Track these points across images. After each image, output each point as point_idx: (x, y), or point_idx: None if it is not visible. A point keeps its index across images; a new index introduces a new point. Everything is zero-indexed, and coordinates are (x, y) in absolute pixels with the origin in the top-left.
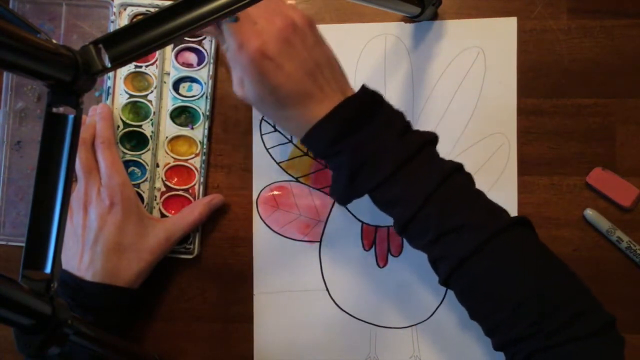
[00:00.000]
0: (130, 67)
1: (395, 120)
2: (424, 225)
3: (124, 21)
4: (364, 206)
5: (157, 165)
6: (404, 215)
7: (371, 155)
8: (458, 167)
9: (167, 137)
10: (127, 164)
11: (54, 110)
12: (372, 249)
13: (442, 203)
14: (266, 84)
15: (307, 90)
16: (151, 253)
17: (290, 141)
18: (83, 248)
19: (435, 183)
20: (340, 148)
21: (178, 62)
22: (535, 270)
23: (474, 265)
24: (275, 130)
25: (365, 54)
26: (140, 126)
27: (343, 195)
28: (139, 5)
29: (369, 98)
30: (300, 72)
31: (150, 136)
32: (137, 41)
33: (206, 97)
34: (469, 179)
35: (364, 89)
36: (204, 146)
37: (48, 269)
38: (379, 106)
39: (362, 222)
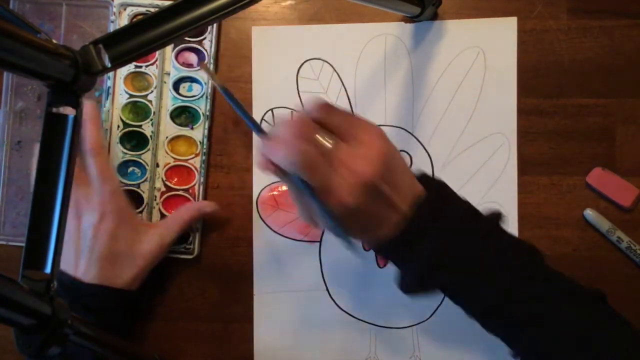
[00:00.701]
0: (130, 67)
1: (465, 213)
2: (501, 320)
3: (124, 21)
4: None
5: (157, 165)
6: (478, 309)
7: (444, 257)
8: (533, 249)
9: (167, 137)
10: (127, 164)
11: (54, 110)
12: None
13: (520, 296)
14: (353, 218)
15: (385, 214)
16: (145, 259)
17: None
18: (79, 255)
19: (513, 277)
20: (413, 255)
21: (178, 62)
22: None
23: (559, 355)
24: None
25: (365, 54)
26: (140, 126)
27: (410, 291)
28: (139, 5)
29: (437, 194)
30: (393, 192)
31: (150, 136)
32: (137, 41)
33: (206, 97)
34: (542, 258)
35: (429, 184)
36: (204, 146)
37: (48, 269)
38: (447, 200)
39: None
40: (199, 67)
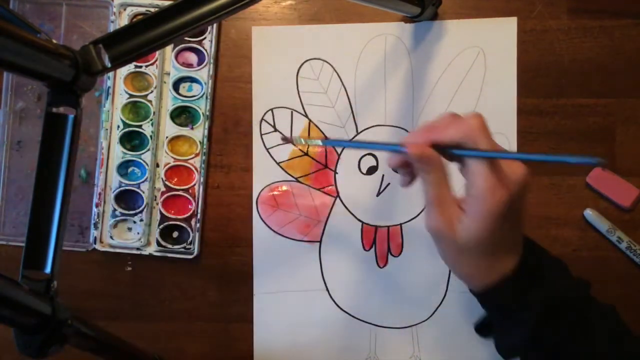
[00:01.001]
0: (130, 67)
1: (562, 268)
2: None
3: (124, 21)
4: (364, 206)
5: (157, 165)
6: None
7: (560, 307)
8: (614, 310)
9: (167, 137)
10: (127, 164)
11: (54, 110)
12: (372, 249)
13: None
14: (496, 231)
15: (515, 240)
16: None
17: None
18: None
19: (608, 341)
20: (528, 301)
21: (178, 62)
22: None
23: None
24: (275, 130)
25: (365, 54)
26: (140, 126)
27: (517, 351)
28: (139, 5)
29: (533, 244)
30: (523, 221)
31: (150, 136)
32: (137, 41)
33: (206, 97)
34: (622, 322)
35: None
36: (204, 146)
37: (48, 269)
38: (544, 252)
39: (362, 222)
40: (287, 142)
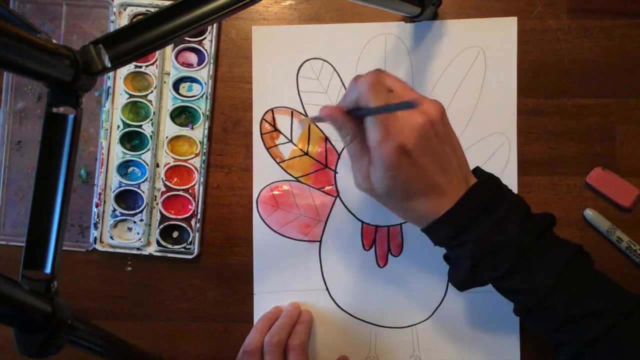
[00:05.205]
0: (130, 67)
1: (516, 206)
2: (548, 313)
3: (124, 21)
4: (364, 206)
5: (157, 165)
6: (527, 303)
7: (495, 245)
8: (579, 250)
9: (167, 137)
10: (127, 164)
11: (54, 110)
12: (372, 249)
13: (567, 291)
14: (399, 178)
15: (436, 182)
16: None
17: (290, 141)
18: None
19: (558, 272)
20: (464, 239)
21: (178, 62)
22: None
23: (599, 351)
24: (275, 130)
25: (365, 54)
26: (140, 126)
27: (464, 283)
28: (139, 5)
29: (490, 184)
30: (432, 166)
31: (150, 136)
32: (137, 41)
33: (206, 97)
34: (589, 261)
35: (482, 175)
36: (204, 146)
37: (48, 269)
38: (499, 192)
39: (362, 222)
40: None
